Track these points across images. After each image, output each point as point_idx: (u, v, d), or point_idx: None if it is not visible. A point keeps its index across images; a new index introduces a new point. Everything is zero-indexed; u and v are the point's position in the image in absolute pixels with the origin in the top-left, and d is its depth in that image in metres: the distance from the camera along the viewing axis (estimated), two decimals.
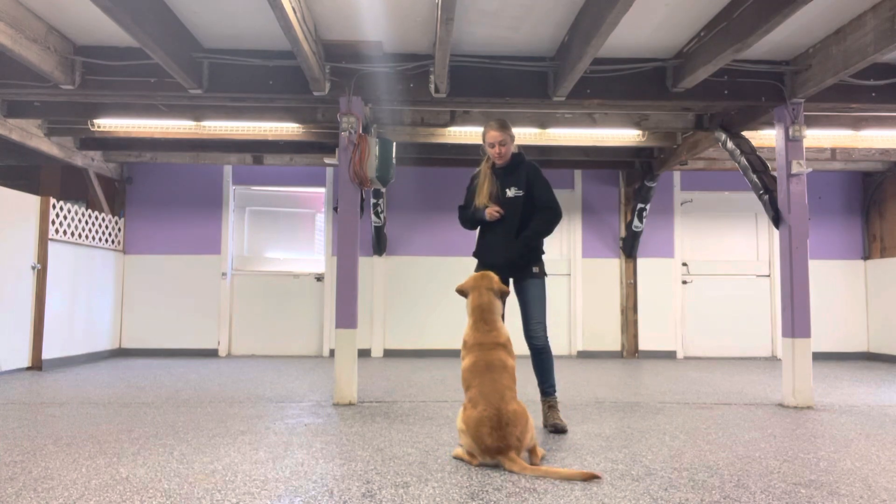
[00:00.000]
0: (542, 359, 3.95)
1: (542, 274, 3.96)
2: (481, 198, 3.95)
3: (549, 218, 3.90)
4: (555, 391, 3.97)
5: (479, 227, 4.11)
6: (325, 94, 5.01)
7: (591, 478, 2.74)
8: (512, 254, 3.86)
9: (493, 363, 3.11)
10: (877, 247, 8.37)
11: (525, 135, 6.62)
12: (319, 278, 8.35)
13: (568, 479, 2.75)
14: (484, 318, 3.30)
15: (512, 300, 3.82)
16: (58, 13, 4.46)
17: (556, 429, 3.79)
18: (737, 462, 3.11)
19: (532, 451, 3.03)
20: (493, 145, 3.90)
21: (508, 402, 2.97)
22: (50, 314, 6.65)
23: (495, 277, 3.48)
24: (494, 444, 2.87)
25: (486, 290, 3.38)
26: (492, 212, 3.89)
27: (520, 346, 3.69)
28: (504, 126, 3.88)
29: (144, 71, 4.96)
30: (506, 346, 3.26)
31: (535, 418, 4.10)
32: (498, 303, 3.42)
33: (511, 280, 3.95)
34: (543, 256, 4.00)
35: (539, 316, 3.91)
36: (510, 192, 3.91)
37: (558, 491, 2.62)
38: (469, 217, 4.09)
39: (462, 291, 3.47)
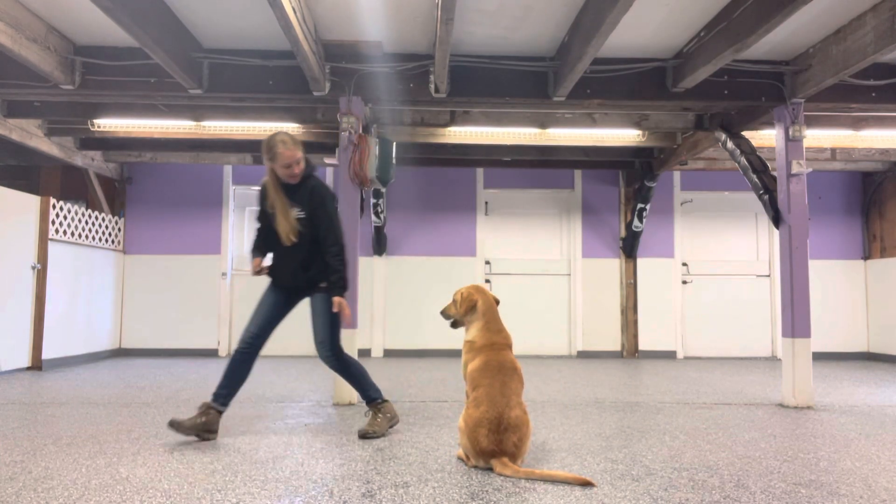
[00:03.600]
0: (344, 374, 3.75)
1: (330, 290, 3.67)
2: (283, 228, 3.56)
3: (342, 256, 3.58)
4: (379, 396, 3.77)
5: (269, 243, 3.73)
6: (325, 94, 5.01)
7: (584, 483, 2.70)
8: (298, 278, 3.64)
9: (504, 365, 3.07)
10: (877, 247, 8.37)
11: (525, 135, 6.63)
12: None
13: (561, 482, 2.74)
14: (495, 319, 3.26)
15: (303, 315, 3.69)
16: (58, 13, 4.46)
17: (364, 434, 3.59)
18: (737, 462, 3.11)
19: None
20: (289, 165, 3.51)
21: (513, 407, 2.91)
22: (50, 314, 6.66)
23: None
24: (489, 446, 2.83)
25: (490, 295, 3.35)
26: (254, 265, 3.62)
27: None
28: (297, 142, 3.53)
29: (144, 71, 4.96)
30: (512, 348, 3.24)
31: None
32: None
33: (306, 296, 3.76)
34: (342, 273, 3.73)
35: (321, 333, 3.66)
36: (295, 212, 3.58)
37: (558, 491, 2.61)
38: (265, 246, 3.72)
39: (467, 299, 3.31)
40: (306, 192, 3.60)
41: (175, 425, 3.41)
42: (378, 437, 3.59)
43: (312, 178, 3.67)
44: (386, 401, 3.78)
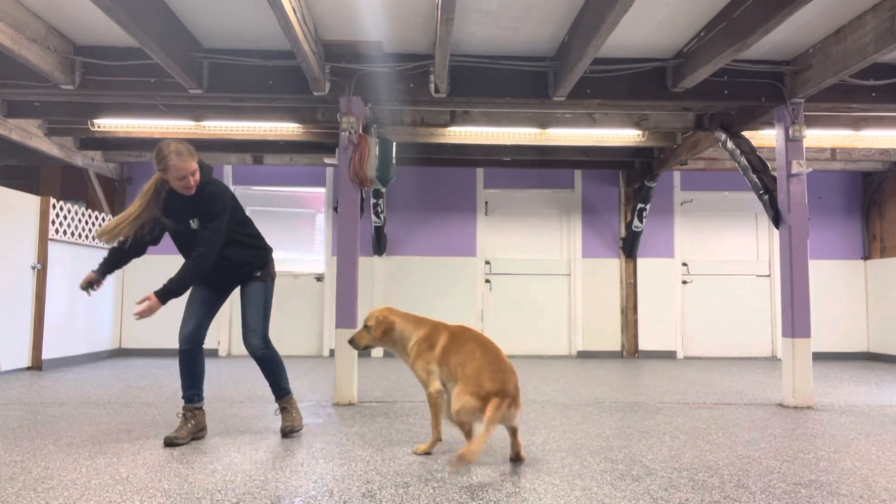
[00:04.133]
0: (264, 366, 3.67)
1: (265, 278, 3.67)
2: (106, 226, 3.32)
3: (192, 264, 3.33)
4: (287, 393, 3.75)
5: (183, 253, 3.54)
6: (325, 94, 5.01)
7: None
8: (228, 275, 3.57)
9: (463, 335, 3.19)
10: (877, 247, 8.37)
11: (525, 135, 6.62)
12: (319, 278, 8.35)
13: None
14: (419, 318, 3.39)
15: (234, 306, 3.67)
16: (58, 13, 4.46)
17: (290, 430, 3.61)
18: (737, 462, 3.11)
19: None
20: (183, 177, 3.26)
21: (503, 358, 3.07)
22: (50, 314, 6.65)
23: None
24: (495, 386, 2.90)
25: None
26: (86, 280, 3.44)
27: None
28: (193, 153, 3.30)
29: (144, 71, 4.96)
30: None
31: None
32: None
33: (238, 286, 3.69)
34: (271, 260, 3.75)
35: (252, 321, 3.58)
36: (193, 224, 3.39)
37: (558, 491, 2.62)
38: (122, 257, 3.55)
39: (383, 322, 3.32)
40: (199, 201, 3.38)
41: (173, 441, 3.36)
42: (301, 429, 3.66)
43: (209, 185, 3.41)
44: (291, 392, 3.78)
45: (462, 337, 3.17)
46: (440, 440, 3.28)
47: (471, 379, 2.96)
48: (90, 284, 3.51)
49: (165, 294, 3.25)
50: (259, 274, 3.65)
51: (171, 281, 3.29)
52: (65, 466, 2.93)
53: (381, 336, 3.33)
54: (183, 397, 3.52)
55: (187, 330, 3.52)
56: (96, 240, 3.41)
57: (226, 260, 3.51)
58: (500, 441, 3.52)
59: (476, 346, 3.10)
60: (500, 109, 6.07)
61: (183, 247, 3.54)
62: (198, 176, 3.34)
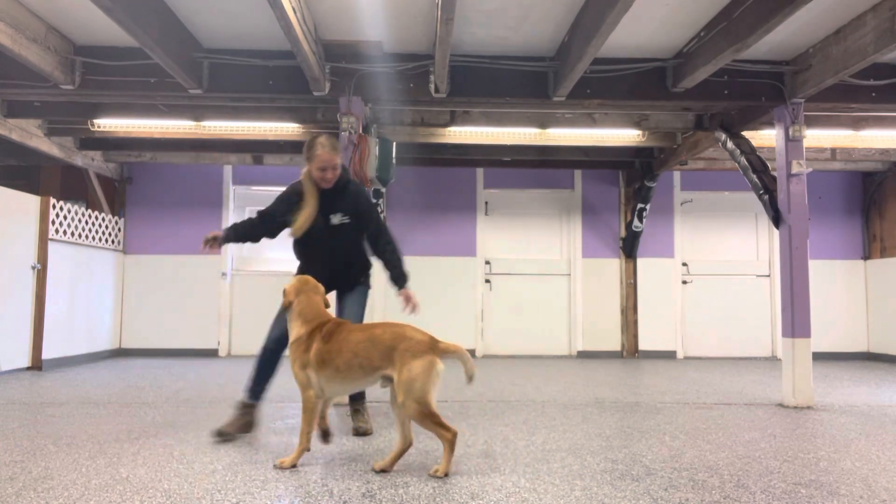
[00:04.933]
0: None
1: (367, 284, 3.87)
2: (300, 224, 3.59)
3: (395, 245, 3.77)
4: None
5: (300, 246, 3.76)
6: (325, 94, 5.01)
7: None
8: (342, 277, 3.76)
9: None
10: (877, 247, 8.37)
11: (525, 135, 6.63)
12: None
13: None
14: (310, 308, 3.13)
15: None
16: (58, 13, 4.46)
17: (359, 432, 3.69)
18: (737, 462, 3.11)
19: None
20: (324, 169, 3.51)
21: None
22: (50, 314, 6.65)
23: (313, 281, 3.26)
24: (427, 335, 2.87)
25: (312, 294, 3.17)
26: (211, 237, 3.51)
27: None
28: (336, 148, 3.54)
29: (144, 71, 4.96)
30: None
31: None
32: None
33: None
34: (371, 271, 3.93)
35: (357, 319, 3.75)
36: (335, 220, 3.62)
37: (558, 491, 2.62)
38: (254, 233, 3.71)
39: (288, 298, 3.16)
40: (350, 198, 3.67)
41: (222, 433, 3.47)
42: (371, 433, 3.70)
43: (352, 184, 3.74)
44: None
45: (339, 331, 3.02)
46: (308, 450, 3.01)
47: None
48: (213, 240, 3.55)
49: (407, 282, 3.71)
50: (363, 279, 3.85)
51: (400, 274, 3.70)
52: (65, 466, 2.93)
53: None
54: (248, 392, 3.61)
55: (277, 333, 3.61)
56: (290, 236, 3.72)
57: (346, 257, 3.72)
58: (500, 442, 3.52)
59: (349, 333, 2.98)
60: (500, 109, 6.07)
61: (308, 240, 3.67)
62: (338, 172, 3.58)
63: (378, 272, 3.92)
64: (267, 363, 3.62)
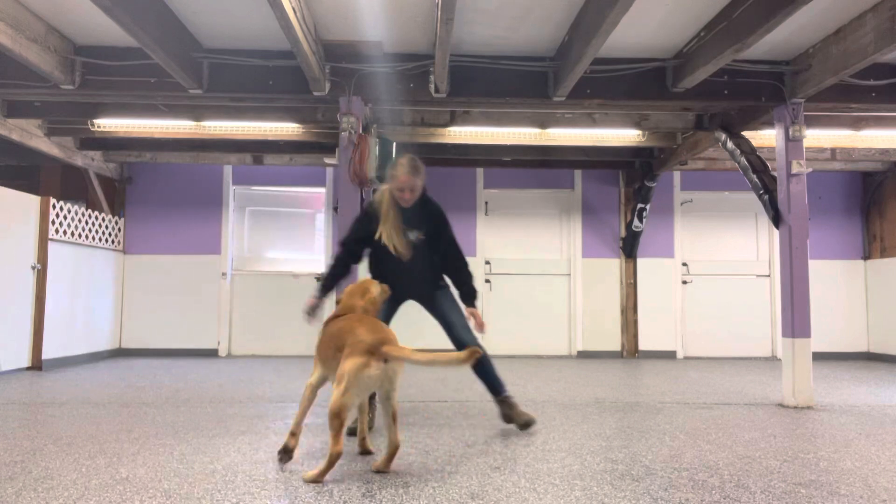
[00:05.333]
0: (481, 362, 3.84)
1: (448, 286, 3.96)
2: (399, 240, 3.69)
3: (466, 265, 3.87)
4: (504, 388, 3.94)
5: (375, 261, 3.84)
6: (325, 94, 5.01)
7: (471, 356, 2.68)
8: (424, 292, 3.87)
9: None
10: (877, 247, 8.37)
11: (525, 135, 6.62)
12: (319, 278, 8.34)
13: (449, 364, 2.70)
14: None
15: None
16: (58, 13, 4.46)
17: (527, 425, 3.79)
18: (737, 462, 3.11)
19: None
20: (403, 189, 3.66)
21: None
22: (50, 314, 6.65)
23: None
24: (375, 337, 2.75)
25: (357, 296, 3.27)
26: (312, 304, 3.62)
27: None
28: (416, 169, 3.66)
29: (144, 71, 4.96)
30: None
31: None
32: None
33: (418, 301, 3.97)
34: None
35: (462, 321, 3.85)
36: (412, 236, 3.73)
37: (558, 491, 2.62)
38: (344, 270, 3.77)
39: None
40: (427, 216, 3.78)
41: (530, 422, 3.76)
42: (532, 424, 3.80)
43: (430, 203, 3.84)
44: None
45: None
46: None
47: (347, 334, 2.85)
48: (313, 310, 3.66)
49: (475, 300, 3.84)
50: (442, 284, 3.94)
51: (470, 291, 3.82)
52: (65, 466, 2.93)
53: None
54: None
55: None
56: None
57: (420, 273, 3.81)
58: (500, 441, 3.52)
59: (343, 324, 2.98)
60: (500, 109, 6.07)
61: (384, 256, 3.74)
62: (417, 194, 3.71)
63: None
64: None
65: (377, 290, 3.32)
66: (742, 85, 5.08)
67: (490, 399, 4.05)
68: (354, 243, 3.79)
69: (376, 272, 3.82)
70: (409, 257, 3.72)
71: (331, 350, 2.93)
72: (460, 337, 3.80)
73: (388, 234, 3.69)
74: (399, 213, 3.73)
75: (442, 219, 3.83)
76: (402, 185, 3.65)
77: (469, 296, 3.81)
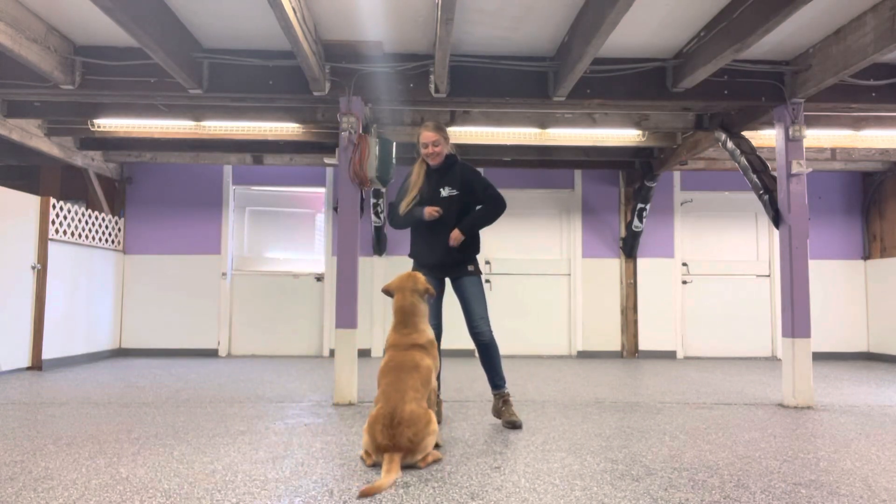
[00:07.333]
0: (489, 354, 4.01)
1: (478, 272, 4.07)
2: (410, 199, 4.01)
3: (494, 207, 4.01)
4: (505, 384, 4.03)
5: (412, 227, 4.14)
6: (325, 94, 5.01)
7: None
8: (450, 255, 3.98)
9: (403, 363, 3.14)
10: (877, 247, 8.37)
11: (525, 135, 6.62)
12: (319, 278, 8.35)
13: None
14: (405, 321, 3.34)
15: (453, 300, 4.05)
16: (58, 13, 4.46)
17: (512, 425, 3.85)
18: (737, 462, 3.11)
19: (423, 457, 2.93)
20: (426, 146, 3.97)
21: (408, 402, 2.94)
22: (50, 314, 6.65)
23: (421, 278, 3.47)
24: (384, 441, 2.84)
25: (410, 293, 3.39)
26: (431, 211, 3.93)
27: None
28: (438, 128, 3.97)
29: (144, 71, 4.96)
30: (425, 346, 3.26)
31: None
32: (422, 305, 3.42)
33: (448, 280, 4.10)
34: (478, 256, 4.15)
35: (480, 311, 3.98)
36: (444, 192, 3.99)
37: (558, 491, 2.62)
38: (401, 215, 4.08)
39: (388, 292, 3.48)
40: (456, 172, 4.03)
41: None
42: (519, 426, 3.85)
43: (459, 163, 4.08)
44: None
45: (390, 366, 3.17)
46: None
47: (370, 419, 2.94)
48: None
49: (465, 227, 3.95)
50: (472, 268, 4.04)
51: (473, 216, 3.99)
52: (65, 466, 2.93)
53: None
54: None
55: (433, 321, 3.92)
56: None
57: (448, 232, 3.95)
58: (500, 441, 3.52)
59: (391, 381, 3.06)
60: (500, 109, 6.06)
61: (419, 227, 4.05)
62: (442, 148, 3.97)
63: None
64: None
65: (423, 284, 3.45)
66: (742, 85, 5.08)
67: (490, 399, 4.05)
68: (394, 206, 4.12)
69: (414, 233, 4.13)
70: (443, 215, 3.93)
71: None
72: (476, 326, 3.95)
73: (421, 194, 3.98)
74: (429, 175, 4.03)
75: (474, 174, 4.05)
76: (427, 140, 3.93)
77: (467, 223, 3.96)
